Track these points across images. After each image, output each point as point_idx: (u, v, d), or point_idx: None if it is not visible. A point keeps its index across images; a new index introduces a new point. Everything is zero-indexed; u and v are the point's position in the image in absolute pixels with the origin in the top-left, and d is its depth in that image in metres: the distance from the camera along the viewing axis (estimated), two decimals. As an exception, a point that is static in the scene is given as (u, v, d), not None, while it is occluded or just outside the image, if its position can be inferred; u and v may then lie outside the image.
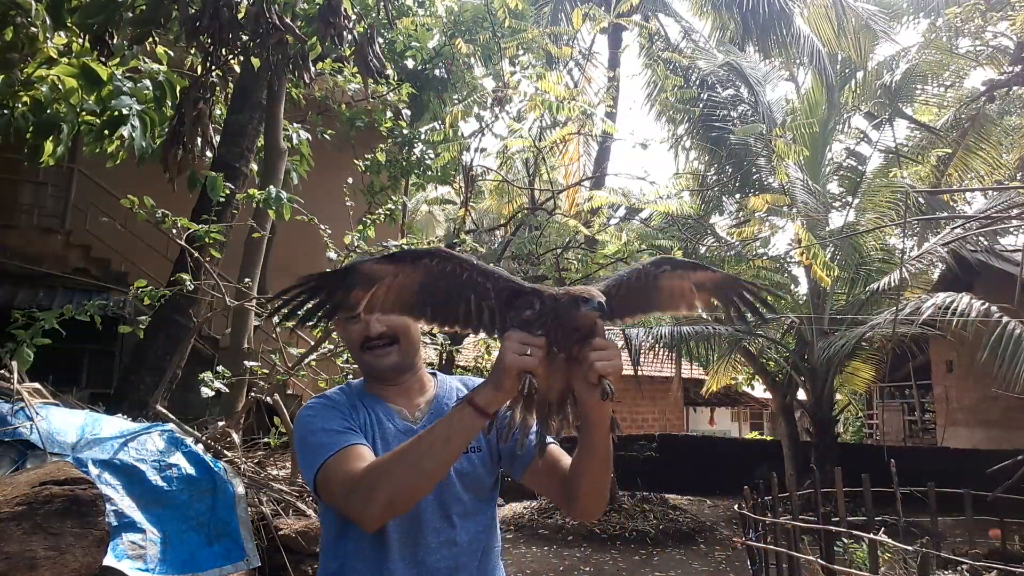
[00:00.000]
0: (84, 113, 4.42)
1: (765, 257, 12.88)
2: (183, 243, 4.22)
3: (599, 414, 1.40)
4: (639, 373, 13.51)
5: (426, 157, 8.53)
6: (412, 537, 1.52)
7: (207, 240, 4.05)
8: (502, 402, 1.34)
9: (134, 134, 4.21)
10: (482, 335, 1.41)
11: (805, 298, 13.31)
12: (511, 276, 1.40)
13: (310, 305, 1.33)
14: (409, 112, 8.58)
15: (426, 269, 1.34)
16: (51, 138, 4.25)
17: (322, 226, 4.20)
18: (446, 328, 1.39)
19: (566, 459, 1.59)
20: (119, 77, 4.36)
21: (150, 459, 3.13)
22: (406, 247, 4.50)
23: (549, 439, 1.58)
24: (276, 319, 1.38)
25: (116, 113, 4.20)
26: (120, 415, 3.74)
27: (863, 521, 6.50)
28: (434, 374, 1.75)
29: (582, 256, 11.39)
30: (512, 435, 1.37)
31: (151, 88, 4.54)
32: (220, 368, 4.04)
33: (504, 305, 1.37)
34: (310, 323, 1.37)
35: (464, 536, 1.56)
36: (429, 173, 8.57)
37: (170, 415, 3.93)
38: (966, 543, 8.32)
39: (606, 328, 1.37)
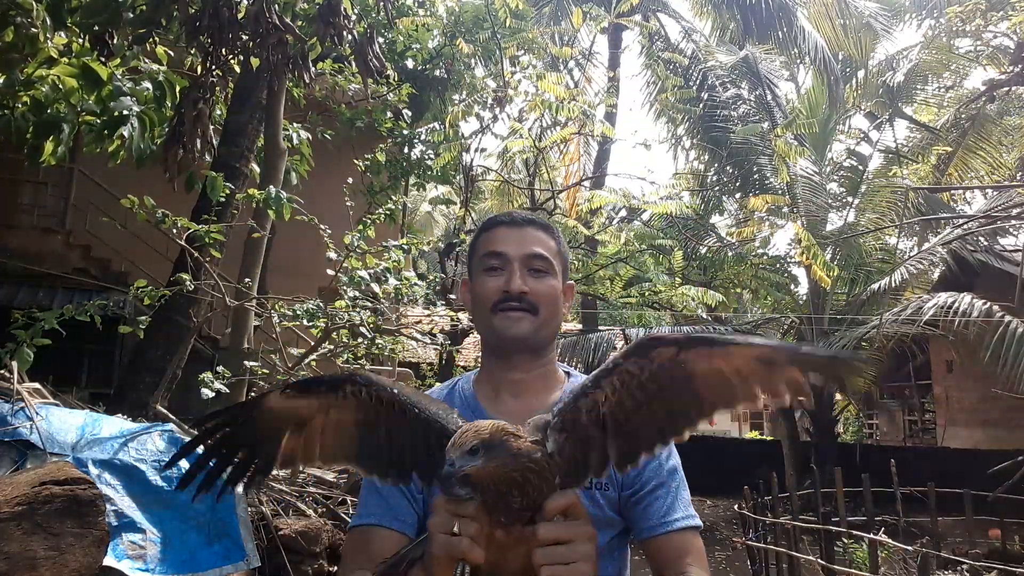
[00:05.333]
0: (84, 113, 4.42)
1: (765, 257, 12.90)
2: (183, 243, 4.22)
3: None
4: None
5: (426, 157, 8.53)
6: None
7: (207, 240, 4.04)
8: None
9: (134, 134, 4.21)
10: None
11: (805, 298, 13.31)
12: (430, 407, 1.06)
13: (226, 467, 1.10)
14: (409, 112, 8.58)
15: (356, 401, 1.07)
16: (51, 138, 4.25)
17: (322, 226, 4.20)
18: (389, 481, 1.11)
19: (679, 563, 1.26)
20: (119, 77, 4.36)
21: (150, 459, 3.12)
22: (406, 246, 4.50)
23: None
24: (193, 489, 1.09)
25: (116, 113, 4.20)
26: (120, 415, 3.74)
27: (863, 521, 6.51)
28: (568, 373, 1.40)
29: (583, 256, 11.41)
30: None
31: (151, 88, 4.54)
32: (220, 368, 4.04)
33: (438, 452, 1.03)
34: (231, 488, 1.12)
35: None
36: (429, 173, 8.57)
37: (170, 415, 3.93)
38: (966, 543, 8.31)
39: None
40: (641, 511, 1.28)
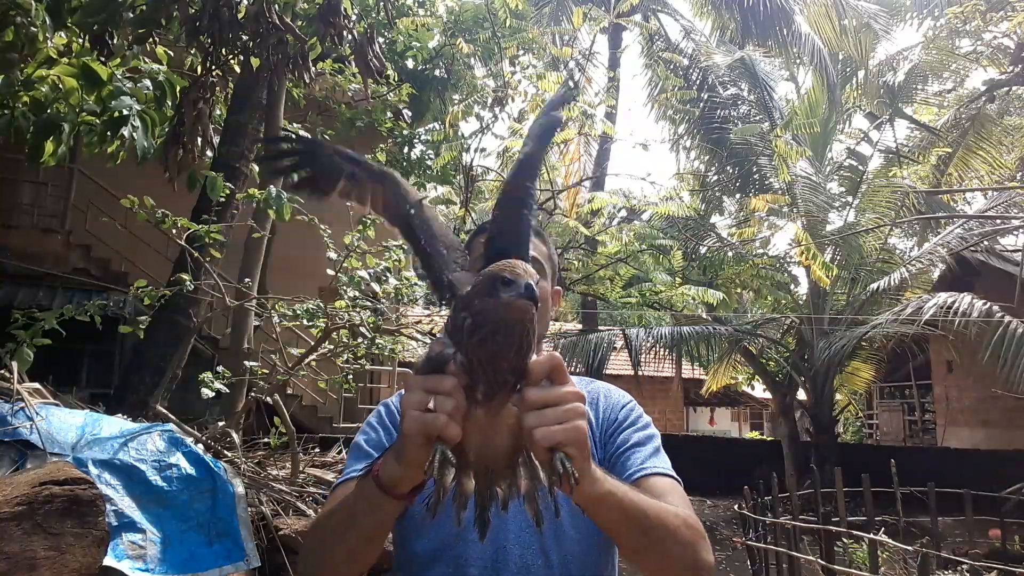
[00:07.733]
0: (84, 113, 4.42)
1: (765, 257, 12.90)
2: (183, 243, 4.22)
3: (580, 496, 0.93)
4: (639, 373, 13.52)
5: (426, 157, 8.54)
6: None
7: (207, 240, 4.04)
8: (413, 479, 0.95)
9: (135, 134, 4.21)
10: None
11: (805, 298, 13.31)
12: (436, 240, 1.04)
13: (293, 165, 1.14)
14: (409, 112, 8.59)
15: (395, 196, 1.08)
16: (51, 138, 4.24)
17: (322, 226, 4.20)
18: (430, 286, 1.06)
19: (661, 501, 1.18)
20: (119, 77, 4.36)
21: (150, 459, 3.12)
22: (406, 245, 4.50)
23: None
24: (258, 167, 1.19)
25: (116, 113, 4.20)
26: (120, 415, 3.74)
27: (863, 521, 6.50)
28: None
29: (582, 257, 11.40)
30: (439, 504, 0.91)
31: (151, 88, 4.53)
32: (220, 368, 4.04)
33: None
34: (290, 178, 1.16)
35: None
36: (429, 173, 8.57)
37: (170, 415, 3.93)
38: (966, 543, 8.31)
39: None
40: (620, 465, 1.25)
